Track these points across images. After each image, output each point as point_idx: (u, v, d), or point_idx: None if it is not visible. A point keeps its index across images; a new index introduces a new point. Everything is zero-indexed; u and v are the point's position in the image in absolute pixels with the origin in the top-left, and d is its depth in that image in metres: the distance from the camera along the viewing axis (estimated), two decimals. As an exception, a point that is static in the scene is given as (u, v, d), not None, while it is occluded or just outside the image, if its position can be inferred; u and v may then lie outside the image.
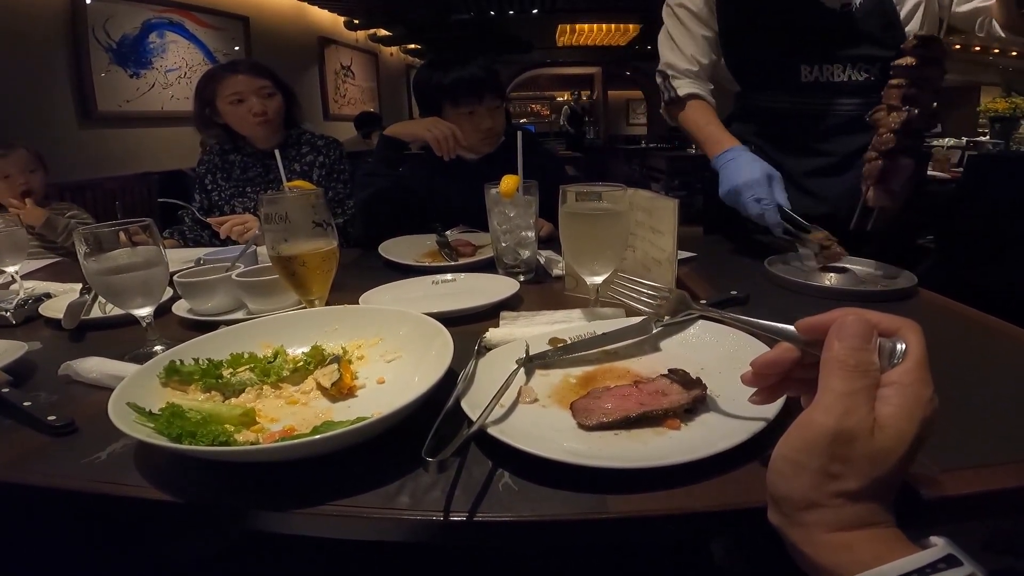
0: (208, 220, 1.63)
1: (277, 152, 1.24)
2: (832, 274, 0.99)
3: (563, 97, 13.39)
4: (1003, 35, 1.19)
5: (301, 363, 0.69)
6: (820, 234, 1.04)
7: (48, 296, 1.12)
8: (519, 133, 1.14)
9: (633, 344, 0.68)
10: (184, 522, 0.53)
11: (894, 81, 0.98)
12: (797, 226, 1.07)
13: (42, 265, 1.58)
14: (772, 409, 0.49)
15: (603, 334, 0.69)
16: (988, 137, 5.12)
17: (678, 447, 0.48)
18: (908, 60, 0.95)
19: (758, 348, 0.61)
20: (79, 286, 1.11)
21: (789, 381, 0.45)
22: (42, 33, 3.67)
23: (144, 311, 0.83)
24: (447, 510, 0.46)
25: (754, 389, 0.47)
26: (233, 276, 0.97)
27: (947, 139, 5.84)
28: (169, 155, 4.28)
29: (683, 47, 1.40)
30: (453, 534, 0.46)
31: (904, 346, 0.38)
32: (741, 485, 0.46)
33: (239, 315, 0.97)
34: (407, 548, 0.54)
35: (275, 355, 0.70)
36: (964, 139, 5.62)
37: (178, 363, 0.65)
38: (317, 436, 0.49)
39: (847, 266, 1.02)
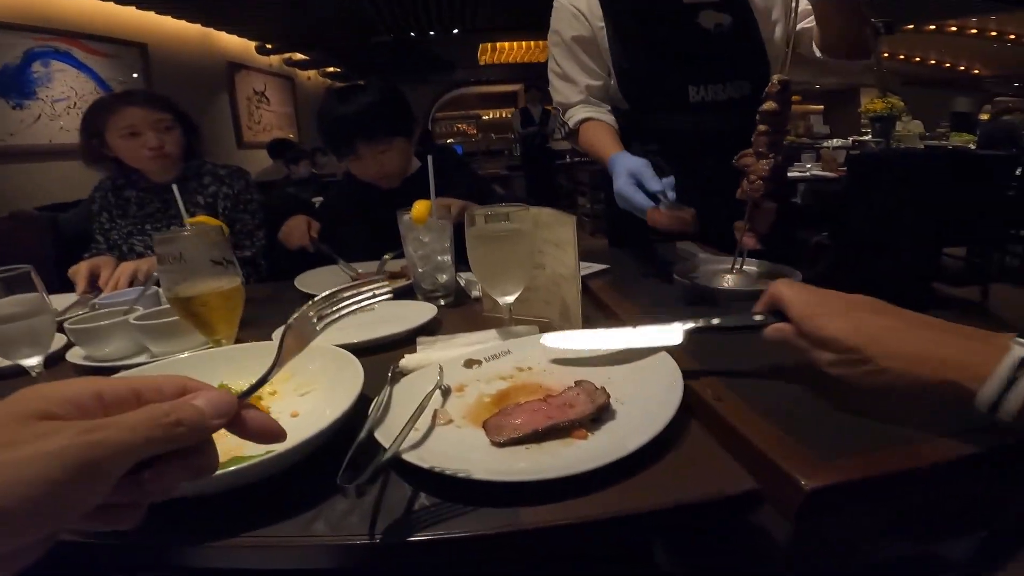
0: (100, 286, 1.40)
1: (175, 187, 1.18)
2: (729, 276, 1.05)
3: (487, 116, 13.17)
4: (819, 55, 1.22)
5: (209, 403, 0.67)
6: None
7: None
8: (429, 157, 1.15)
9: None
10: (96, 563, 0.50)
11: (762, 127, 0.98)
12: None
13: None
14: (669, 412, 0.53)
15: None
16: (870, 136, 5.45)
17: (584, 456, 0.51)
18: (771, 105, 0.96)
19: (664, 359, 0.65)
20: None
21: None
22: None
23: (32, 361, 0.77)
24: (371, 534, 0.46)
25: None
26: (131, 320, 0.92)
27: (834, 139, 6.30)
28: (63, 191, 3.88)
29: (572, 75, 1.45)
30: (374, 557, 0.46)
31: None
32: (645, 488, 0.48)
33: (142, 359, 0.92)
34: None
35: (180, 397, 0.67)
36: (850, 139, 5.95)
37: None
38: (229, 470, 0.48)
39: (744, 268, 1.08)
